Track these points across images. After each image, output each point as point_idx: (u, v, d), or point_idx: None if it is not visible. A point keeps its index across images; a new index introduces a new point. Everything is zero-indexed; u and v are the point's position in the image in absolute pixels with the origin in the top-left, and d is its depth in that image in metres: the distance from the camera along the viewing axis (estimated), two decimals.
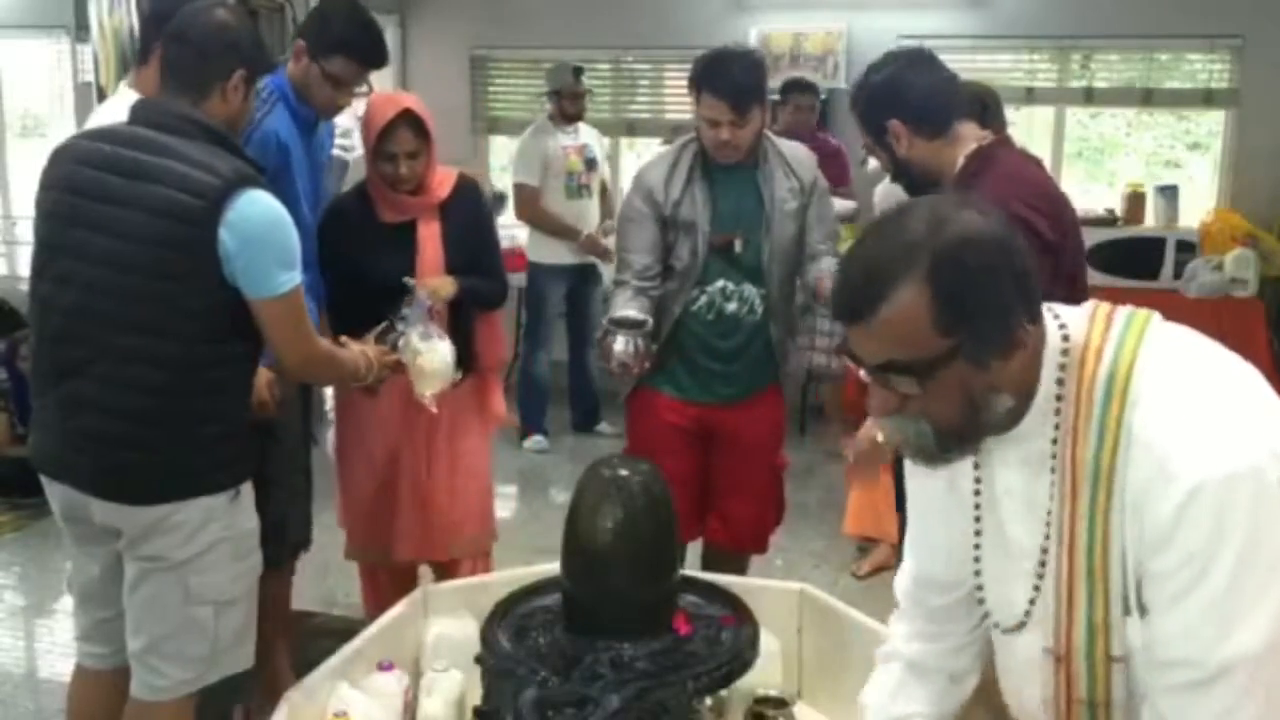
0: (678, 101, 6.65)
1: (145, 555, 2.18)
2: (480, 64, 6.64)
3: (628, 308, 2.86)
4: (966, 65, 6.09)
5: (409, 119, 2.87)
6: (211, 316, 2.11)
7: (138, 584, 2.20)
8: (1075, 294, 1.89)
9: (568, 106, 5.56)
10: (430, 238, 2.98)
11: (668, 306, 2.98)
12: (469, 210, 3.06)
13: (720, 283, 2.97)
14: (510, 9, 6.40)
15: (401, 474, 3.05)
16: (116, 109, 2.46)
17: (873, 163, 2.64)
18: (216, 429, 2.18)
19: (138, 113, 2.19)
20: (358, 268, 2.92)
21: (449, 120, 5.79)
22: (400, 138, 2.87)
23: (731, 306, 2.98)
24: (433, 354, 2.79)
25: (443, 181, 3.01)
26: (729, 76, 2.82)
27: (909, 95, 2.28)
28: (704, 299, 2.97)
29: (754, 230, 2.95)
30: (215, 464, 2.19)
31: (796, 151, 3.05)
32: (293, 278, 2.15)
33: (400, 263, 2.92)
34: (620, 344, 2.79)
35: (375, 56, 2.85)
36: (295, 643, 3.10)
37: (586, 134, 5.69)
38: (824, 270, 2.88)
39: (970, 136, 2.36)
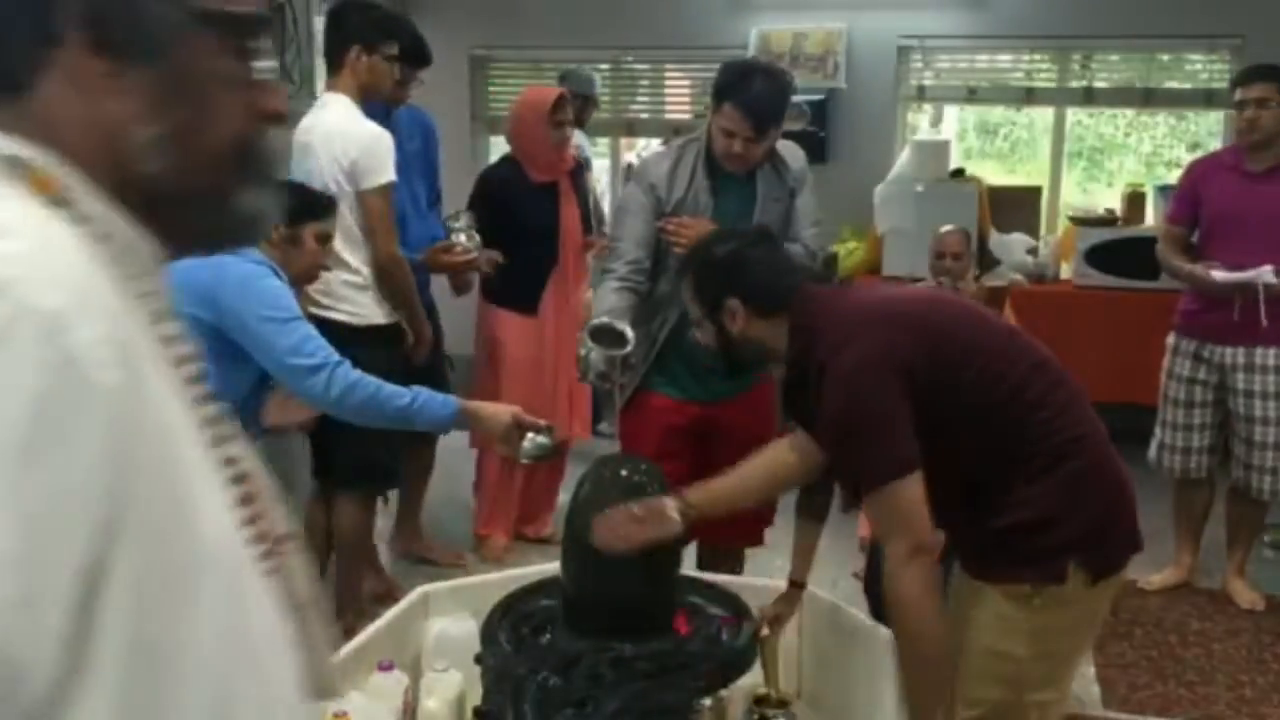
0: (678, 101, 6.65)
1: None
2: (480, 64, 6.63)
3: (611, 306, 2.84)
4: (966, 65, 6.12)
5: (564, 99, 3.97)
6: None
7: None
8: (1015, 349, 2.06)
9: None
10: (568, 191, 4.03)
11: (668, 307, 2.98)
12: (583, 178, 4.25)
13: None
14: (510, 9, 6.39)
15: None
16: (324, 112, 3.19)
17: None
18: None
19: None
20: (513, 217, 3.88)
21: (449, 120, 5.79)
22: (566, 110, 3.95)
23: None
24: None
25: (571, 155, 4.11)
26: (756, 95, 2.78)
27: (751, 274, 2.17)
28: None
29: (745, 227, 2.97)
30: None
31: (788, 148, 3.06)
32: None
33: (549, 211, 3.96)
34: (598, 359, 2.78)
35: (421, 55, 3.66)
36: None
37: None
38: None
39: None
